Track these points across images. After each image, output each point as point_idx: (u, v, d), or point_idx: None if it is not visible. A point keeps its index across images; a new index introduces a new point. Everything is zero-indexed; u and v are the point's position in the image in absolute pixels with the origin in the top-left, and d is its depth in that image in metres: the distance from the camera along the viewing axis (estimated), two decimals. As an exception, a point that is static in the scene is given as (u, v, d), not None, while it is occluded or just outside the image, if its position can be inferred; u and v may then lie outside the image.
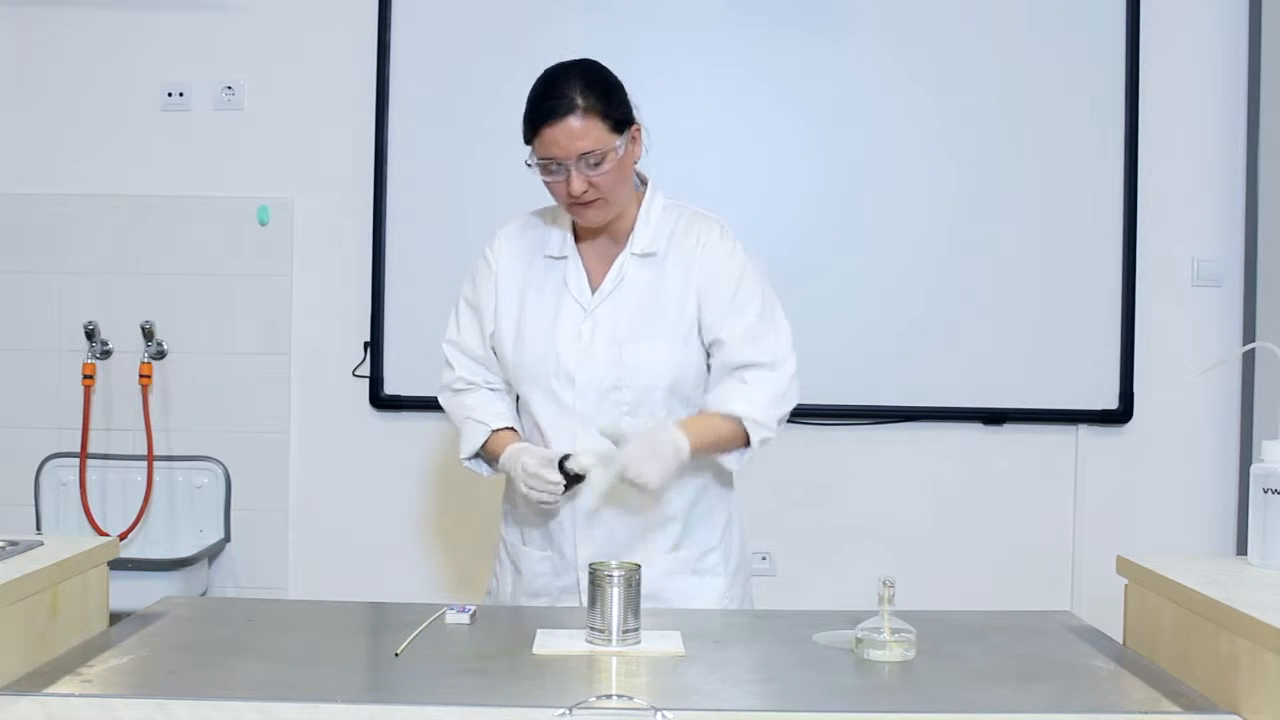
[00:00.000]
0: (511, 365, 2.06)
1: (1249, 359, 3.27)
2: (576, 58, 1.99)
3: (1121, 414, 3.32)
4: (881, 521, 3.32)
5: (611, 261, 2.05)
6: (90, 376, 3.27)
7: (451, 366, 2.12)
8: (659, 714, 1.37)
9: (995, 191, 3.30)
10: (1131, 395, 3.31)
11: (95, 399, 3.30)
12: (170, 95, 3.34)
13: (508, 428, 2.07)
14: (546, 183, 1.96)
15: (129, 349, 3.31)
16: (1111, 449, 3.34)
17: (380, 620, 1.98)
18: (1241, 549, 1.94)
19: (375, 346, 3.32)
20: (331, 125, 3.34)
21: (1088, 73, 3.30)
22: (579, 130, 1.89)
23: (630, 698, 1.43)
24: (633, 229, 2.05)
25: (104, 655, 1.62)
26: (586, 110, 1.90)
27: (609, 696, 1.45)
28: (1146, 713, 1.45)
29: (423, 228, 3.30)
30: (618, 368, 2.00)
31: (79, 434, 3.27)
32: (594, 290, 2.04)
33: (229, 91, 3.34)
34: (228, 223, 3.33)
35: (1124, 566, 1.82)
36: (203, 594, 3.23)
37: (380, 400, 3.33)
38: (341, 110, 3.33)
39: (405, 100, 3.30)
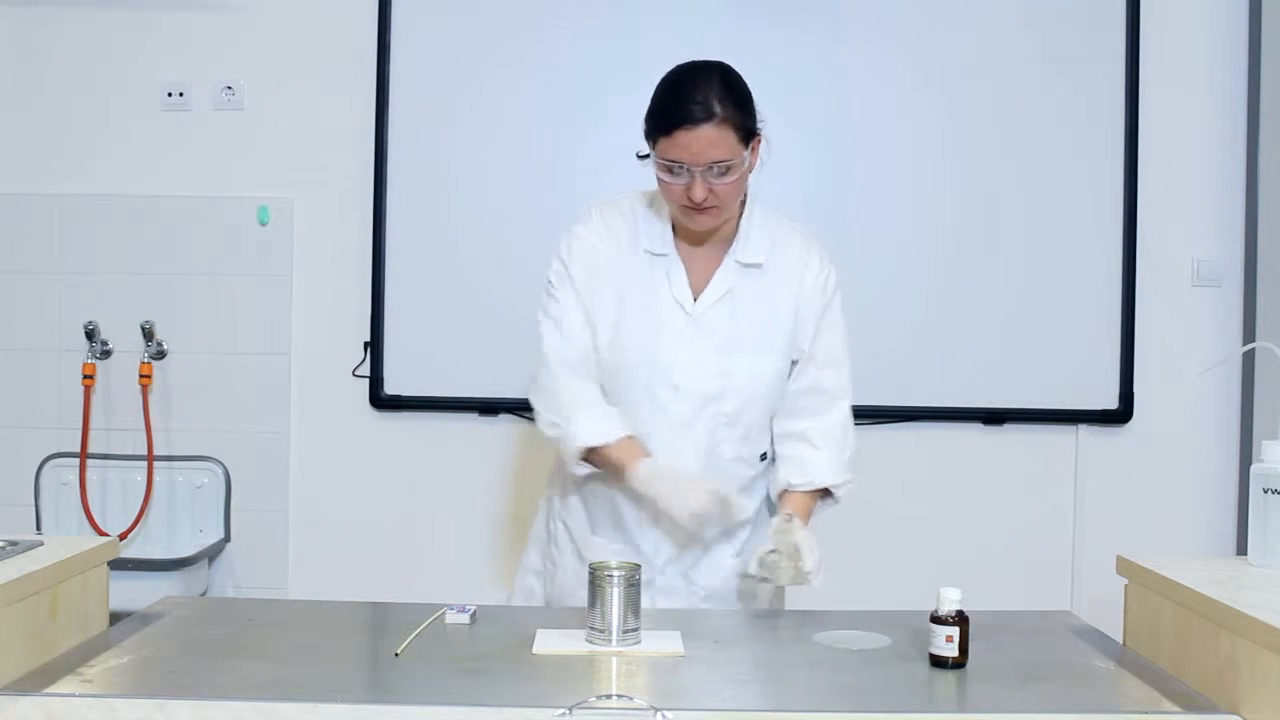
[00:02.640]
0: (606, 361, 2.02)
1: (1249, 359, 3.27)
2: (710, 59, 1.93)
3: (1121, 414, 3.32)
4: (881, 521, 3.31)
5: (710, 264, 2.02)
6: (90, 376, 3.26)
7: (550, 346, 2.03)
8: (659, 714, 1.37)
9: (995, 191, 3.30)
10: (1131, 395, 3.31)
11: (95, 399, 3.30)
12: (170, 95, 3.34)
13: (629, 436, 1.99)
14: (665, 182, 1.91)
15: (129, 349, 3.31)
16: (1111, 449, 3.34)
17: (380, 620, 1.98)
18: (1241, 549, 1.94)
19: (375, 346, 3.32)
20: (331, 125, 3.34)
21: (1088, 73, 3.30)
22: (714, 139, 1.85)
23: (630, 698, 1.43)
24: (735, 235, 2.03)
25: (104, 655, 1.62)
26: (723, 119, 1.86)
27: (609, 696, 1.45)
28: (1146, 713, 1.45)
29: (423, 228, 3.30)
30: (722, 378, 1.99)
31: (79, 434, 3.27)
32: (695, 294, 2.01)
33: (229, 91, 3.34)
34: (228, 223, 3.33)
35: (1124, 566, 1.82)
36: (203, 594, 3.23)
37: (380, 400, 3.33)
38: (341, 110, 3.33)
39: (405, 100, 3.30)
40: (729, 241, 2.03)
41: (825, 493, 2.08)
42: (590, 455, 1.99)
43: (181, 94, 3.34)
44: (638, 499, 2.00)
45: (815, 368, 2.06)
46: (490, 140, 3.29)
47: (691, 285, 2.02)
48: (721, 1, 3.28)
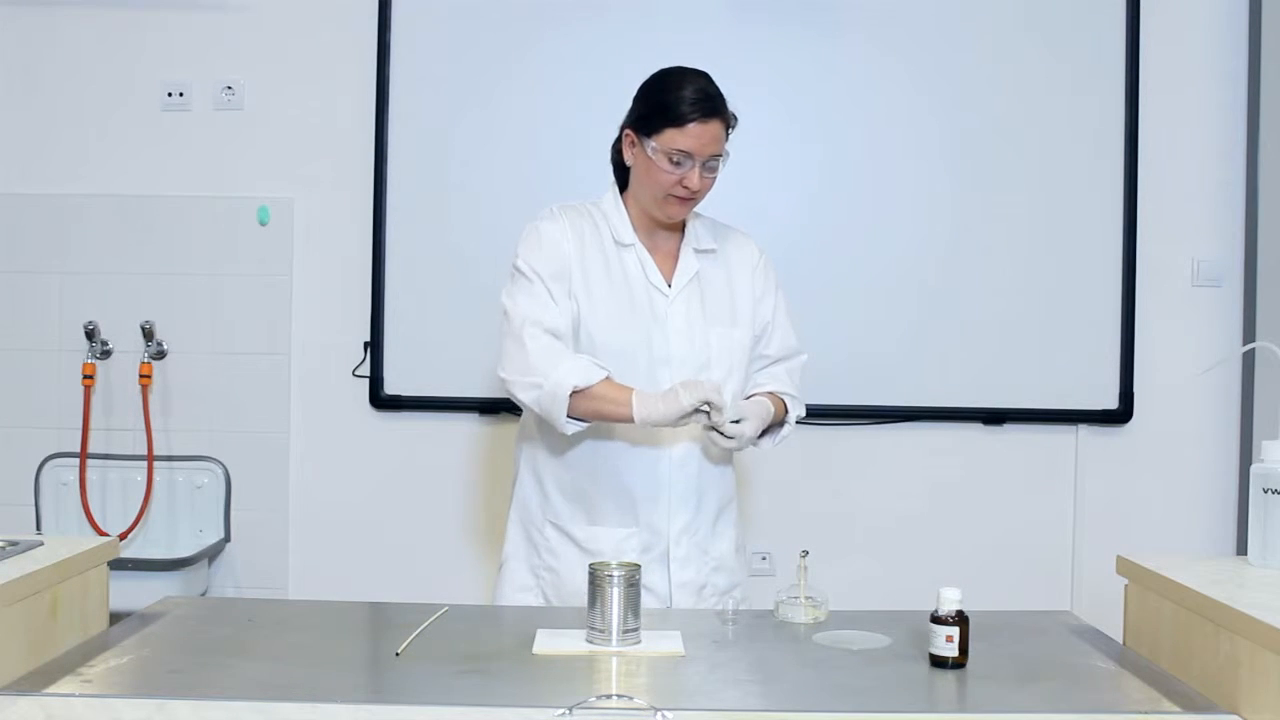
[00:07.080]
0: (601, 345, 2.07)
1: (1249, 359, 3.27)
2: (690, 66, 2.12)
3: (1121, 414, 3.32)
4: (881, 521, 3.32)
5: (669, 254, 2.18)
6: (90, 376, 3.26)
7: (522, 312, 2.06)
8: (659, 714, 1.37)
9: (995, 191, 3.30)
10: (1131, 395, 3.31)
11: (95, 399, 3.30)
12: (170, 95, 3.34)
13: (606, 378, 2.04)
14: (661, 172, 2.05)
15: (129, 349, 3.31)
16: (1111, 449, 3.34)
17: (380, 620, 1.98)
18: (1241, 549, 1.94)
19: (375, 346, 3.32)
20: (331, 125, 3.34)
21: (1088, 73, 3.30)
22: (717, 133, 2.07)
23: (630, 698, 1.43)
24: (683, 229, 2.20)
25: (104, 655, 1.62)
26: (723, 117, 2.08)
27: (609, 696, 1.45)
28: (1146, 713, 1.45)
29: (423, 228, 3.30)
30: (707, 348, 2.13)
31: (79, 434, 3.27)
32: (665, 279, 2.15)
33: (229, 91, 3.34)
34: (228, 223, 3.33)
35: (1124, 566, 1.82)
36: (203, 594, 3.23)
37: (380, 400, 3.33)
38: (341, 110, 3.33)
39: (405, 100, 3.30)
40: (679, 235, 2.20)
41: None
42: (577, 408, 2.00)
43: (181, 94, 3.34)
44: (646, 435, 2.06)
45: (776, 333, 2.25)
46: (490, 140, 3.29)
47: (660, 271, 2.16)
48: (722, 1, 3.28)
